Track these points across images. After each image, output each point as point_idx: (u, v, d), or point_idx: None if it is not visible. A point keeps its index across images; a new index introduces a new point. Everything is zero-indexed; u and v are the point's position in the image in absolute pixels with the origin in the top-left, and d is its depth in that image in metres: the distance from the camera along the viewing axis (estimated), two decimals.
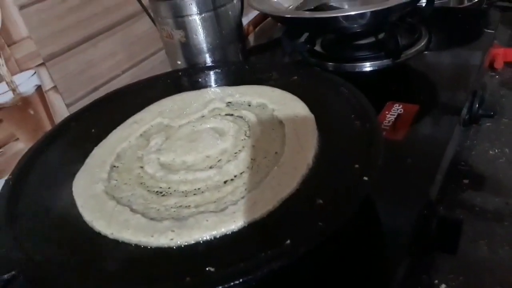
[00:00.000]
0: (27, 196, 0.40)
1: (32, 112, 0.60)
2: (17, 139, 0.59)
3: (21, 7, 0.57)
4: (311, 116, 0.45)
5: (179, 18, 0.58)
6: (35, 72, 0.60)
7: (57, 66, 0.63)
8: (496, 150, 0.62)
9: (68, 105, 0.65)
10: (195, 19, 0.58)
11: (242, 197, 0.37)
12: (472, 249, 0.49)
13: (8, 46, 0.56)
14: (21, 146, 0.59)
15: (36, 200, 0.40)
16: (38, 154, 0.45)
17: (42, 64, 0.61)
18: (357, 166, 0.37)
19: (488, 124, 0.67)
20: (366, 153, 0.38)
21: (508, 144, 0.63)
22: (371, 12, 0.59)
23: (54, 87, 0.63)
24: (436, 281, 0.47)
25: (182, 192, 0.39)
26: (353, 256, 0.38)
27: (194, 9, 0.57)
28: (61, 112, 0.64)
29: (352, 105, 0.45)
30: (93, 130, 0.49)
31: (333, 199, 0.34)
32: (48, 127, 0.62)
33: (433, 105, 0.59)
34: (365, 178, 0.35)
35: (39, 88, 0.61)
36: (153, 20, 0.63)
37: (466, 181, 0.58)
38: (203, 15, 0.58)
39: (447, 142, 0.52)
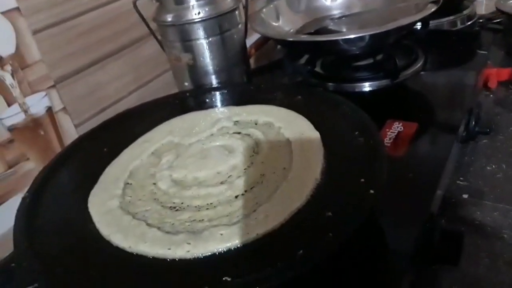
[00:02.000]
0: (43, 212, 0.42)
1: (42, 132, 0.62)
2: (28, 159, 0.60)
3: (35, 32, 0.60)
4: (316, 133, 0.47)
5: (187, 42, 0.60)
6: (46, 94, 0.62)
7: (66, 88, 0.65)
8: (493, 166, 0.64)
9: (76, 126, 0.67)
10: (202, 43, 0.60)
11: (254, 211, 0.38)
12: (473, 262, 0.51)
13: (22, 69, 0.59)
14: (31, 165, 0.60)
15: (52, 216, 0.41)
16: (52, 172, 0.47)
17: (53, 86, 0.63)
18: (362, 180, 0.39)
19: (484, 141, 0.70)
20: (371, 168, 0.40)
21: (504, 160, 0.65)
22: (370, 35, 0.62)
23: (64, 108, 0.65)
24: None
25: (195, 207, 0.40)
26: (358, 269, 0.39)
27: (201, 33, 0.60)
28: (70, 132, 0.66)
29: (355, 123, 0.47)
30: (105, 149, 0.51)
31: (342, 212, 0.36)
32: (57, 147, 0.64)
33: (431, 123, 0.62)
34: (371, 191, 0.36)
35: (49, 110, 0.63)
36: (160, 44, 0.66)
37: (465, 196, 0.60)
38: (210, 39, 0.60)
39: (446, 158, 0.54)
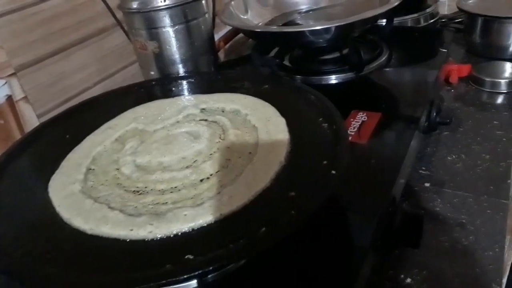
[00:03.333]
0: (2, 196, 0.40)
1: (2, 121, 0.60)
2: None
3: None
4: (282, 119, 0.48)
5: (153, 29, 0.60)
6: (6, 82, 0.60)
7: (28, 76, 0.63)
8: (454, 156, 0.67)
9: (39, 116, 0.65)
10: (168, 31, 0.60)
11: (219, 193, 0.38)
12: (433, 246, 0.52)
13: None
14: None
15: (11, 201, 0.40)
16: (12, 158, 0.45)
17: (13, 74, 0.61)
18: (325, 162, 0.39)
19: (446, 133, 0.72)
20: (333, 151, 0.41)
21: (464, 151, 0.67)
22: (335, 27, 0.63)
23: (25, 98, 0.63)
24: (402, 276, 0.49)
25: (159, 190, 0.40)
26: (321, 252, 0.40)
27: (167, 21, 0.59)
28: (32, 122, 0.64)
29: (320, 110, 0.48)
30: (67, 136, 0.50)
31: (304, 191, 0.36)
32: (18, 137, 0.61)
33: (394, 114, 0.63)
34: (333, 172, 0.37)
35: (9, 98, 0.61)
36: (125, 32, 0.65)
37: (427, 184, 0.62)
38: (176, 27, 0.60)
39: (407, 146, 0.55)
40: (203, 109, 0.53)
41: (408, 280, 0.49)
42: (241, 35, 0.96)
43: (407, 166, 0.57)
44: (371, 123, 0.58)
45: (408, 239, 0.47)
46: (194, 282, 0.36)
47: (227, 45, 0.92)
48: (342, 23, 0.63)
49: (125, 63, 0.78)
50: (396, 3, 0.67)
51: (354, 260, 0.40)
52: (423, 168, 0.65)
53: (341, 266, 0.39)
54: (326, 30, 0.64)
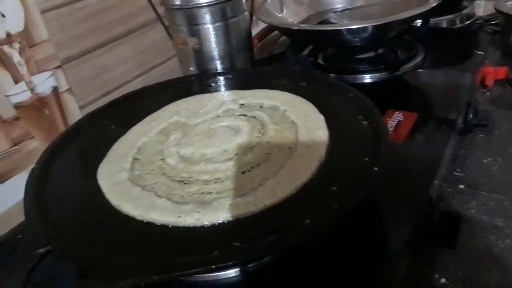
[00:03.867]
0: (52, 183, 0.42)
1: (47, 112, 0.63)
2: (32, 137, 0.61)
3: (43, 11, 0.60)
4: (320, 116, 0.48)
5: (194, 26, 0.61)
6: (52, 74, 0.63)
7: (73, 69, 0.66)
8: (489, 159, 0.66)
9: (81, 107, 0.67)
10: (209, 27, 0.61)
11: (261, 185, 0.39)
12: (469, 248, 0.52)
13: (29, 47, 0.59)
14: (35, 144, 0.61)
15: (61, 187, 0.42)
16: (60, 146, 0.47)
17: (59, 66, 0.64)
18: (366, 159, 0.40)
19: (481, 135, 0.71)
20: (374, 148, 0.41)
21: (500, 154, 0.67)
22: (372, 26, 0.63)
23: (69, 89, 0.66)
24: (437, 276, 0.49)
25: (203, 181, 0.41)
26: (358, 250, 0.40)
27: (208, 18, 0.61)
28: (75, 113, 0.66)
29: (359, 108, 0.49)
30: (112, 127, 0.52)
31: (346, 187, 0.37)
32: (61, 127, 0.64)
33: (430, 114, 0.63)
34: (375, 168, 0.38)
35: (55, 90, 0.63)
36: (166, 27, 0.67)
37: (462, 186, 0.62)
38: (216, 24, 0.61)
39: (444, 147, 0.55)
40: (242, 104, 0.55)
41: (443, 280, 0.49)
42: (273, 33, 0.97)
43: (443, 168, 0.57)
44: (407, 123, 0.58)
45: (445, 239, 0.47)
46: (231, 272, 0.38)
47: (260, 44, 0.94)
48: (380, 23, 0.63)
49: (163, 59, 0.80)
50: (435, 4, 0.67)
51: (391, 259, 0.41)
52: (458, 169, 0.65)
53: (377, 265, 0.40)
54: (363, 29, 0.64)
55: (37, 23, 0.60)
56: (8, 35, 0.56)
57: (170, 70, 0.81)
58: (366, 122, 0.46)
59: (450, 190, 0.62)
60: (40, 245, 0.33)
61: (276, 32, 0.96)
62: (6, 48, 0.56)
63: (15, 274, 0.31)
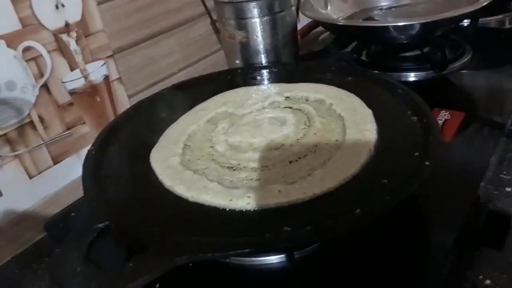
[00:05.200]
0: (108, 164, 0.44)
1: (98, 99, 0.65)
2: (84, 122, 0.63)
3: (99, 3, 0.63)
4: (368, 110, 0.48)
5: (242, 19, 0.62)
6: (104, 63, 0.65)
7: (123, 59, 0.68)
8: None
9: (129, 96, 0.70)
10: (256, 21, 0.62)
11: (309, 175, 0.40)
12: None
13: (85, 37, 0.62)
14: (86, 129, 0.64)
15: (116, 168, 0.44)
16: (114, 130, 0.49)
17: (111, 56, 0.66)
18: (417, 154, 0.40)
19: None
20: (424, 144, 0.41)
21: None
22: (421, 24, 0.63)
23: (119, 78, 0.68)
24: (481, 277, 0.48)
25: (251, 168, 0.42)
26: (403, 249, 0.40)
27: (256, 12, 0.62)
28: (123, 101, 0.69)
29: (407, 104, 0.49)
30: (163, 114, 0.53)
31: (397, 180, 0.37)
32: (111, 114, 0.67)
33: (477, 115, 0.62)
34: (427, 163, 0.37)
35: (106, 78, 0.66)
36: (213, 21, 0.68)
37: (508, 189, 0.60)
38: (264, 18, 0.62)
39: (493, 149, 0.54)
40: (287, 97, 0.55)
41: (487, 282, 0.48)
42: (314, 31, 0.97)
43: (490, 170, 0.56)
44: (454, 122, 0.57)
45: (492, 240, 0.46)
46: (275, 257, 0.38)
47: (301, 40, 0.94)
48: (428, 20, 0.63)
49: (207, 52, 0.82)
50: (486, 2, 0.65)
51: (436, 257, 0.41)
52: (504, 172, 0.63)
53: (422, 262, 0.40)
54: (411, 27, 0.64)
55: (93, 14, 0.62)
56: (67, 24, 0.59)
57: (211, 65, 0.82)
58: (415, 118, 0.46)
59: (496, 192, 0.60)
60: (96, 222, 0.35)
61: (316, 30, 0.96)
62: (64, 37, 0.59)
63: (73, 249, 0.32)
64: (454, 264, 0.45)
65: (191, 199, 0.38)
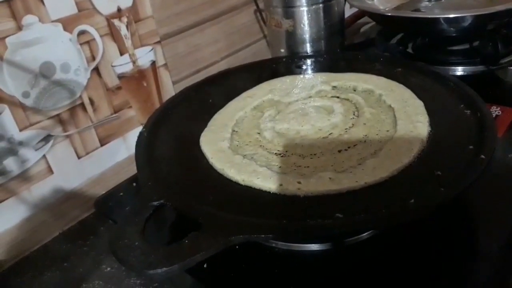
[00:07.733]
0: (159, 146, 0.46)
1: (145, 84, 0.67)
2: (130, 107, 0.65)
3: None
4: (420, 102, 0.48)
5: (289, 8, 0.62)
6: (152, 49, 0.67)
7: (169, 45, 0.69)
8: None
9: (174, 82, 0.71)
10: (304, 10, 0.62)
11: (360, 164, 0.39)
12: None
13: (135, 22, 0.63)
14: (132, 113, 0.65)
15: (168, 150, 0.45)
16: (164, 113, 0.51)
17: (158, 42, 0.67)
18: (471, 147, 0.39)
19: None
20: (479, 137, 0.40)
21: None
22: (473, 16, 0.61)
23: (165, 64, 0.69)
24: None
25: (300, 155, 0.42)
26: (451, 252, 0.39)
27: (304, 0, 0.61)
28: (168, 87, 0.70)
29: (459, 97, 0.47)
30: (210, 100, 0.54)
31: (452, 172, 0.36)
32: (156, 99, 0.68)
33: None
34: (483, 156, 0.37)
35: (153, 64, 0.67)
36: (258, 10, 0.68)
37: None
38: (312, 7, 0.62)
39: None
40: (335, 86, 0.55)
41: None
42: (357, 22, 0.95)
43: None
44: (506, 118, 0.55)
45: None
46: (317, 246, 0.38)
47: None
48: (482, 13, 0.61)
49: (249, 42, 0.82)
50: None
51: (482, 258, 0.40)
52: None
53: (468, 262, 0.39)
54: (463, 19, 0.62)
55: (143, 0, 0.64)
56: (119, 9, 0.61)
57: (252, 54, 0.82)
58: (469, 111, 0.45)
59: None
60: (151, 200, 0.36)
61: (359, 21, 0.94)
62: (116, 22, 0.61)
63: (131, 225, 0.33)
64: (499, 267, 0.44)
65: (242, 182, 0.39)
